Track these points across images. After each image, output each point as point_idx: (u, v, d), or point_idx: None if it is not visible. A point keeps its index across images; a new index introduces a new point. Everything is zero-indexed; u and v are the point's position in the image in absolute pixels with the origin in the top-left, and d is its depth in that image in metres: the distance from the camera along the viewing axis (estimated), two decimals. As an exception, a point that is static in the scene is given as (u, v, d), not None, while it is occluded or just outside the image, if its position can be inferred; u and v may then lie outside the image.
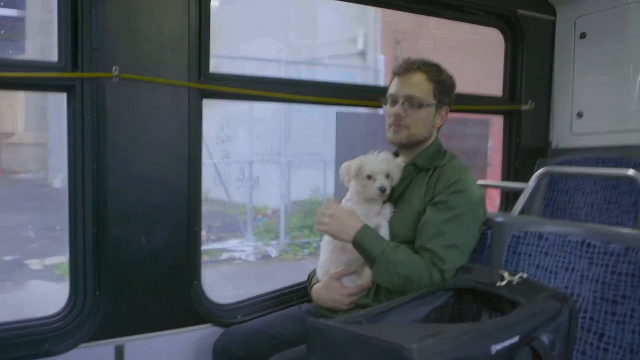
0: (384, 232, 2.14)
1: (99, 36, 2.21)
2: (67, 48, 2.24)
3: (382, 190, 2.13)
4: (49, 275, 6.86)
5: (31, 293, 6.46)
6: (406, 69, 2.19)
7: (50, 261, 7.06)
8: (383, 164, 2.14)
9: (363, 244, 2.05)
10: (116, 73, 2.23)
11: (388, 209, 2.20)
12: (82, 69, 2.23)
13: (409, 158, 2.23)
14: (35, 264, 7.06)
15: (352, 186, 2.23)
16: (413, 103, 2.15)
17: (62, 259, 6.84)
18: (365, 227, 2.08)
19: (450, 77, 2.25)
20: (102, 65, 2.23)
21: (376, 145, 2.32)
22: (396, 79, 2.22)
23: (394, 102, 2.19)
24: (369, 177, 2.14)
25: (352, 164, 2.19)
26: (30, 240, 7.75)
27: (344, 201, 2.29)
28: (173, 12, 2.35)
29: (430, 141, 2.24)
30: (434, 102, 2.18)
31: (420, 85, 2.17)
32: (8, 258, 7.22)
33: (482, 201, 2.13)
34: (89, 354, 2.29)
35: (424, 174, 2.18)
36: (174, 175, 2.39)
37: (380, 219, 2.17)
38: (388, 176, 2.15)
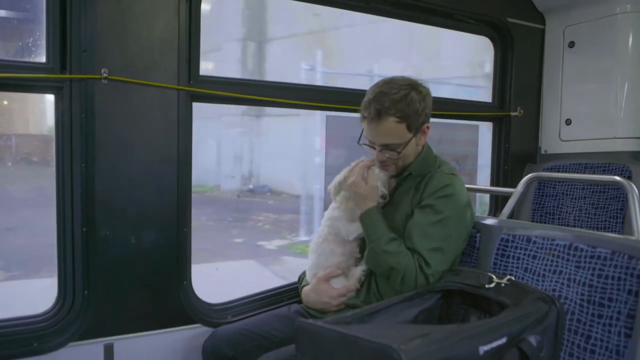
0: None
1: (87, 37, 2.21)
2: (56, 49, 2.22)
3: (383, 197, 2.16)
4: (291, 252, 7.24)
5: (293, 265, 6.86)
6: (374, 115, 2.08)
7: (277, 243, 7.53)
8: (377, 172, 2.17)
9: (365, 224, 2.11)
10: (105, 75, 2.23)
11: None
12: (70, 71, 2.22)
13: (402, 167, 2.22)
14: (268, 245, 7.49)
15: (340, 197, 2.24)
16: (391, 148, 2.13)
17: (283, 242, 7.43)
18: (372, 210, 2.11)
19: (418, 98, 2.11)
20: (90, 66, 2.22)
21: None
22: (367, 124, 2.13)
23: (373, 146, 2.17)
24: None
25: (338, 178, 2.23)
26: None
27: (330, 208, 2.32)
28: (163, 15, 2.34)
29: (419, 152, 2.22)
30: (410, 136, 2.12)
31: (392, 131, 2.09)
32: (239, 240, 7.57)
33: (468, 206, 2.14)
34: (78, 352, 2.27)
35: (413, 177, 2.19)
36: (163, 176, 2.39)
37: None
38: (383, 182, 2.18)
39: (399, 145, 2.11)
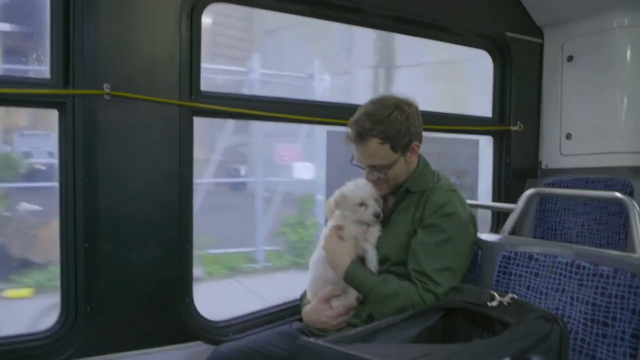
0: (371, 258, 2.16)
1: (90, 53, 2.22)
2: (59, 65, 2.24)
3: (377, 215, 2.15)
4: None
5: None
6: (357, 138, 2.09)
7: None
8: (371, 190, 2.17)
9: (353, 282, 2.11)
10: (107, 90, 2.24)
11: (375, 232, 2.20)
12: (73, 86, 2.23)
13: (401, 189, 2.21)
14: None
15: (336, 214, 2.24)
16: (378, 169, 2.13)
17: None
18: (352, 265, 2.11)
19: (401, 117, 2.08)
20: (93, 82, 2.23)
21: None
22: (354, 145, 2.13)
23: (363, 167, 2.18)
24: (361, 204, 2.16)
25: (333, 198, 2.23)
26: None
27: (328, 225, 2.31)
28: (164, 30, 2.36)
29: (414, 168, 2.20)
30: (397, 156, 2.10)
31: (377, 152, 2.08)
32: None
33: (471, 221, 2.14)
34: None
35: (411, 194, 2.17)
36: (164, 192, 2.39)
37: (367, 245, 2.18)
38: (377, 200, 2.18)
39: (386, 166, 2.11)
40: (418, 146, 2.16)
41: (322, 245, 2.22)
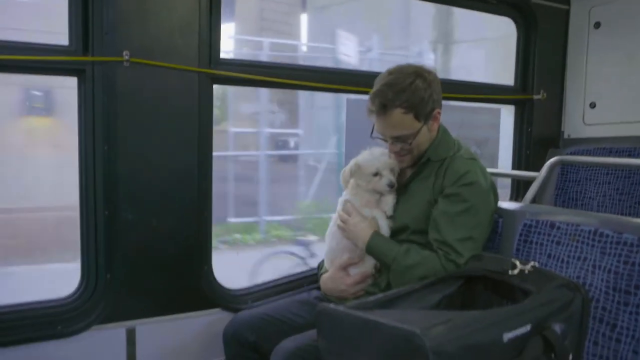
0: (382, 224, 2.16)
1: (109, 20, 2.21)
2: (78, 32, 2.23)
3: (391, 185, 2.15)
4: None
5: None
6: (380, 109, 2.06)
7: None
8: (386, 160, 2.16)
9: (374, 252, 2.12)
10: (126, 57, 2.23)
11: (389, 201, 2.19)
12: (92, 53, 2.23)
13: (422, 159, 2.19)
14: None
15: (351, 184, 2.24)
16: (402, 140, 2.10)
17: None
18: (374, 235, 2.12)
19: (423, 85, 2.06)
20: (112, 49, 2.22)
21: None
22: (375, 118, 2.11)
23: (385, 139, 2.15)
24: (375, 174, 2.16)
25: (348, 167, 2.23)
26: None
27: (341, 198, 2.31)
28: None
29: (434, 137, 2.18)
30: (420, 124, 2.08)
31: (400, 122, 2.06)
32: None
33: (492, 190, 2.12)
34: (101, 335, 2.31)
35: (432, 163, 2.15)
36: (183, 159, 2.39)
37: (377, 211, 2.18)
38: (392, 170, 2.17)
39: (410, 136, 2.09)
40: (439, 113, 2.14)
41: (338, 217, 2.22)
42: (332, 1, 9.11)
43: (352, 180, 2.23)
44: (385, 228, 2.16)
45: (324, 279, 2.29)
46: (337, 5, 9.01)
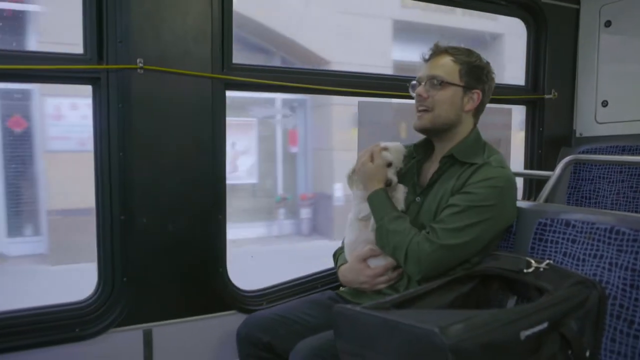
0: (399, 197, 2.18)
1: (123, 28, 2.24)
2: (92, 40, 2.27)
3: (388, 183, 2.16)
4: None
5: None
6: (433, 52, 2.15)
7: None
8: (385, 155, 2.17)
9: (372, 205, 2.14)
10: (140, 65, 2.26)
11: (400, 194, 2.19)
12: (107, 61, 2.26)
13: (445, 148, 2.17)
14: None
15: (356, 180, 2.26)
16: (435, 83, 2.10)
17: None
18: (379, 191, 2.12)
19: (482, 62, 2.15)
20: (126, 57, 2.25)
21: (398, 132, 2.32)
22: (423, 65, 2.17)
23: (419, 85, 2.15)
24: None
25: (351, 169, 2.26)
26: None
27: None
28: (196, 4, 2.36)
29: (466, 130, 2.16)
30: (459, 82, 2.10)
31: (444, 65, 2.11)
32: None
33: (512, 203, 2.08)
34: (118, 338, 2.34)
35: (459, 165, 2.11)
36: (198, 164, 2.42)
37: (400, 186, 2.20)
38: (389, 165, 2.17)
39: (443, 84, 2.09)
40: (479, 97, 2.14)
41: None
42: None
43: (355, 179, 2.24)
44: (401, 202, 2.17)
45: (343, 270, 2.28)
46: None
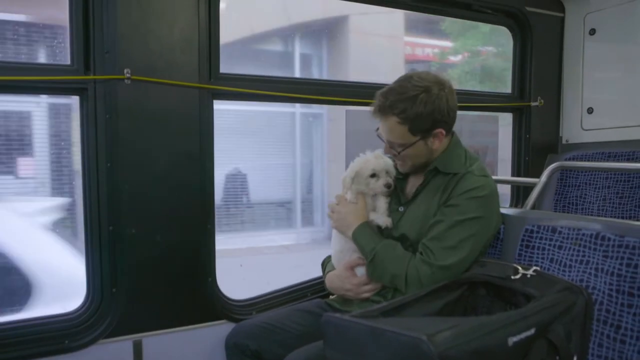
0: (380, 205, 2.20)
1: (110, 39, 2.24)
2: (79, 51, 2.26)
3: (388, 186, 2.17)
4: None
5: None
6: (377, 110, 2.07)
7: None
8: (381, 162, 2.18)
9: (358, 241, 2.13)
10: (128, 75, 2.26)
11: (382, 203, 2.21)
12: (94, 72, 2.26)
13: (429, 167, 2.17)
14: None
15: (353, 189, 2.25)
16: (395, 147, 2.10)
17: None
18: (362, 225, 2.13)
19: (429, 104, 2.00)
20: (113, 67, 2.25)
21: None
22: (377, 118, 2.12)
23: (383, 140, 2.15)
24: (372, 176, 2.18)
25: (348, 173, 2.24)
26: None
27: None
28: (183, 14, 2.36)
29: (443, 149, 2.15)
30: (415, 139, 2.05)
31: (394, 130, 2.05)
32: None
33: (496, 211, 2.10)
34: (108, 349, 2.32)
35: (442, 176, 2.12)
36: (186, 174, 2.41)
37: (374, 214, 2.20)
38: (387, 172, 2.19)
39: (401, 146, 2.08)
40: (443, 133, 2.07)
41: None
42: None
43: (353, 187, 2.24)
44: (383, 208, 2.18)
45: (330, 276, 2.29)
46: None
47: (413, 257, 2.00)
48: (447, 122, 2.08)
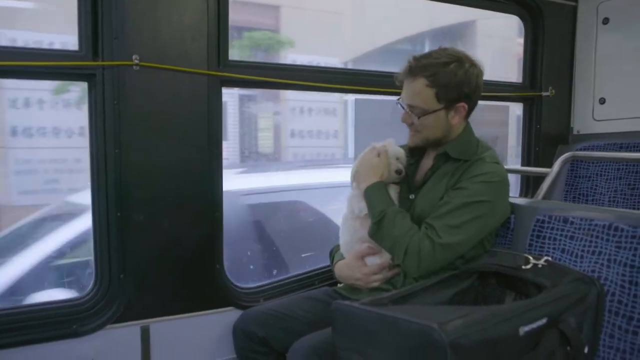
0: (392, 194, 2.16)
1: (119, 25, 2.22)
2: (88, 37, 2.24)
3: (399, 172, 2.15)
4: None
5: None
6: (408, 72, 2.05)
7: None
8: (391, 149, 2.17)
9: (369, 198, 2.09)
10: (136, 61, 2.24)
11: (392, 193, 2.18)
12: (102, 58, 2.24)
13: (438, 149, 2.15)
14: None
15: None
16: (415, 112, 2.07)
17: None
18: (377, 184, 2.09)
19: (460, 72, 2.02)
20: (122, 53, 2.24)
21: (393, 129, 2.31)
22: (403, 81, 2.10)
23: (403, 106, 2.12)
24: None
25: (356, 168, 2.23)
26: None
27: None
28: (192, 0, 2.35)
29: (458, 132, 2.14)
30: (438, 106, 2.04)
31: (420, 93, 2.03)
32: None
33: (505, 199, 2.08)
34: (116, 334, 2.32)
35: (452, 162, 2.11)
36: (194, 161, 2.40)
37: (393, 186, 2.19)
38: (398, 158, 2.17)
39: (422, 112, 2.05)
40: (465, 109, 2.08)
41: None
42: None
43: None
44: (394, 198, 2.15)
45: (340, 265, 2.27)
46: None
47: (417, 231, 1.98)
48: (472, 98, 2.09)
